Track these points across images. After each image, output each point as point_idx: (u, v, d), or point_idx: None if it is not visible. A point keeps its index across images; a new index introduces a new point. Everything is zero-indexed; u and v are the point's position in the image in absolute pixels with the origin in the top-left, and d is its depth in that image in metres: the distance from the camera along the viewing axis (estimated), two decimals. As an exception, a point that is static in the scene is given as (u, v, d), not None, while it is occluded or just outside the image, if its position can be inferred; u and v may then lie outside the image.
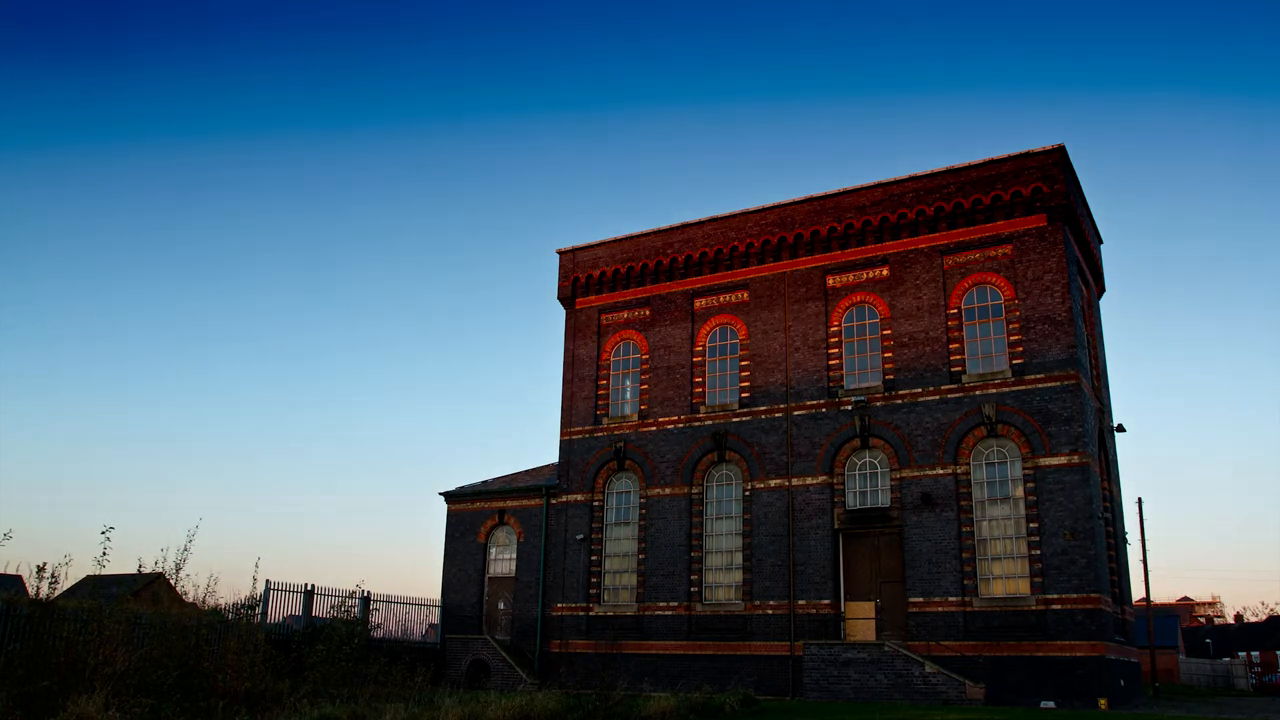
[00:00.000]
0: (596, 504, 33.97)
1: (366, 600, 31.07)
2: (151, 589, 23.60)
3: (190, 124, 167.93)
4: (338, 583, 52.16)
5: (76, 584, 41.63)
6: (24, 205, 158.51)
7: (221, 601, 21.33)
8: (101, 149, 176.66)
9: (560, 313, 37.89)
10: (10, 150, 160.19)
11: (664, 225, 35.26)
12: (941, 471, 28.24)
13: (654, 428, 33.53)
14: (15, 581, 47.74)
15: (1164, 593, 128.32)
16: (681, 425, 33.05)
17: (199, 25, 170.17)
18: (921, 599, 27.53)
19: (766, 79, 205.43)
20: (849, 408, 30.10)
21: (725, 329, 33.49)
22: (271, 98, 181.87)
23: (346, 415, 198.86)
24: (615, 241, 36.19)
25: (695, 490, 32.25)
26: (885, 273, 30.91)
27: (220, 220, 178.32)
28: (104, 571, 18.47)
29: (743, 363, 32.66)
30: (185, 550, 19.44)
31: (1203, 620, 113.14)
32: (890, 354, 30.12)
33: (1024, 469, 27.22)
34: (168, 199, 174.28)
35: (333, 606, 25.58)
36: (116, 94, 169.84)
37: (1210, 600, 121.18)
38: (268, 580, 26.59)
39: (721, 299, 33.67)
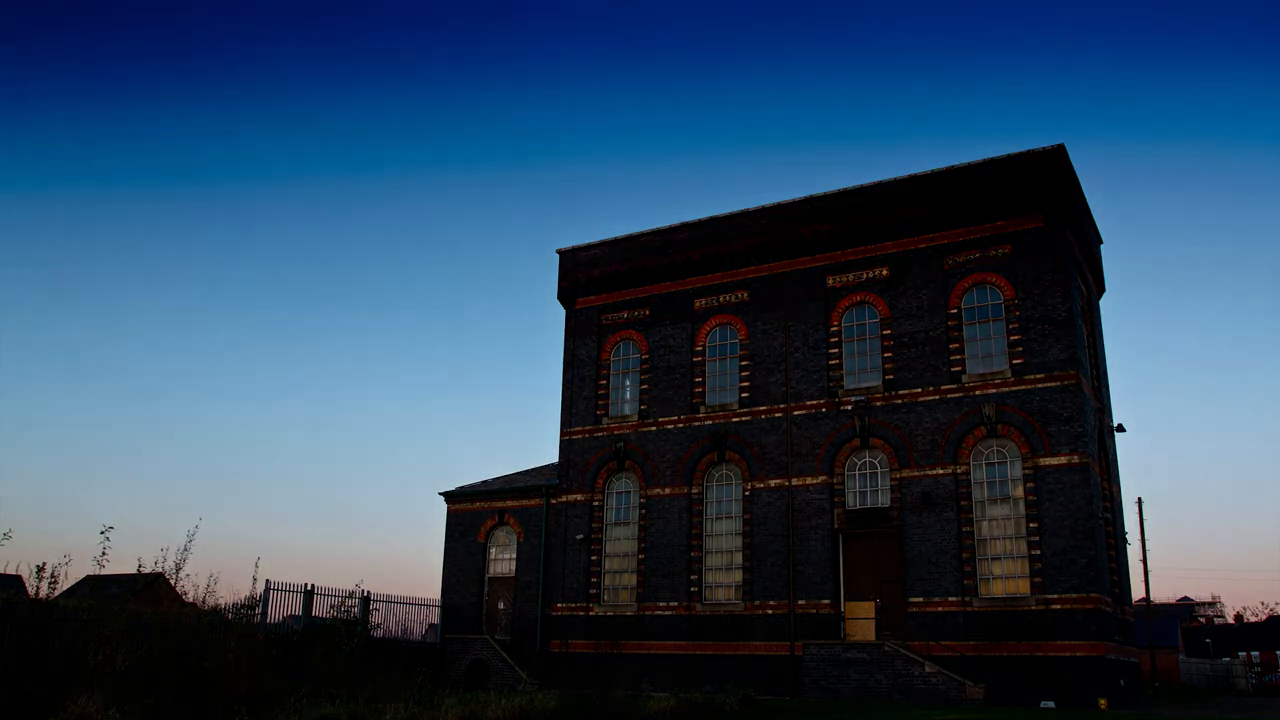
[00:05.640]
0: (596, 504, 33.95)
1: (366, 600, 31.05)
2: (151, 589, 23.55)
3: (185, 122, 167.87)
4: (338, 583, 52.12)
5: (76, 584, 41.61)
6: (25, 208, 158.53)
7: (221, 601, 21.33)
8: (101, 169, 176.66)
9: (560, 313, 37.89)
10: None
11: (664, 225, 35.24)
12: (941, 471, 28.23)
13: (654, 428, 33.52)
14: (15, 581, 47.66)
15: (1164, 593, 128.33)
16: (681, 425, 33.03)
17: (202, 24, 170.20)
18: (921, 599, 27.52)
19: (765, 79, 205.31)
20: (849, 408, 30.09)
21: (725, 329, 33.47)
22: (274, 98, 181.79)
23: (347, 415, 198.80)
24: (615, 241, 36.17)
25: (695, 490, 32.24)
26: (885, 273, 30.89)
27: (219, 220, 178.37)
28: (104, 571, 18.46)
29: (743, 363, 32.64)
30: (185, 550, 19.44)
31: (1203, 620, 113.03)
32: (890, 354, 30.10)
33: (1024, 469, 27.21)
34: (165, 199, 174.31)
35: (333, 606, 25.56)
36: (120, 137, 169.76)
37: (1210, 600, 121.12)
38: (268, 580, 26.59)
39: (721, 299, 33.65)
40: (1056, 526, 26.24)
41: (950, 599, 27.14)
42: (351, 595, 27.54)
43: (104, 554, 17.86)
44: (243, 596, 22.18)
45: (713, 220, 34.24)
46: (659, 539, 32.31)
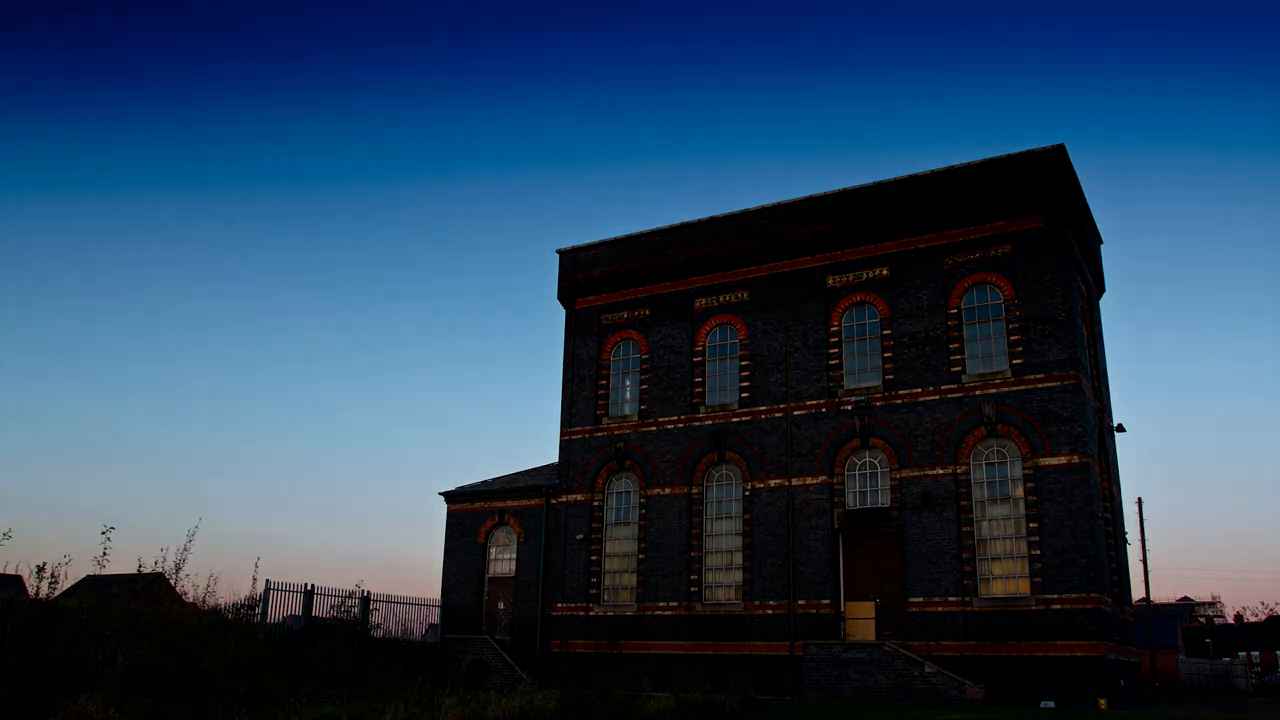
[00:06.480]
0: (596, 504, 33.96)
1: (366, 600, 31.05)
2: (151, 589, 23.57)
3: (187, 127, 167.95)
4: (338, 583, 52.10)
5: (76, 584, 41.63)
6: (27, 209, 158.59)
7: (221, 601, 21.35)
8: (94, 169, 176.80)
9: (560, 313, 37.90)
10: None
11: (664, 225, 35.24)
12: (941, 471, 28.23)
13: (654, 428, 33.52)
14: (15, 581, 47.65)
15: (1164, 593, 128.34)
16: (681, 425, 33.03)
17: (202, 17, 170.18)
18: (921, 599, 27.52)
19: (766, 78, 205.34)
20: (849, 408, 30.09)
21: (725, 329, 33.48)
22: (274, 101, 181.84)
23: (347, 415, 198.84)
24: (615, 241, 36.17)
25: (695, 490, 32.24)
26: (885, 273, 30.89)
27: (218, 220, 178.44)
28: (104, 571, 18.47)
29: (743, 363, 32.64)
30: (185, 550, 19.44)
31: (1203, 620, 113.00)
32: (890, 354, 30.11)
33: (1024, 469, 27.22)
34: (166, 201, 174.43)
35: (333, 606, 25.58)
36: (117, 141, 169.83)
37: (1210, 600, 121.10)
38: (268, 580, 26.60)
39: (721, 299, 33.66)
40: (1056, 526, 26.24)
41: (950, 599, 27.14)
42: (351, 595, 27.56)
43: (104, 554, 17.90)
44: (243, 596, 22.23)
45: (713, 220, 34.24)
46: (659, 539, 32.31)
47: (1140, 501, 47.64)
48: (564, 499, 34.56)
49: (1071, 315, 27.85)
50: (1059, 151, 28.84)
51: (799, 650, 28.19)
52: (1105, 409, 32.11)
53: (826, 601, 28.92)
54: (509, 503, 36.11)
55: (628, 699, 20.07)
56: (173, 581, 20.83)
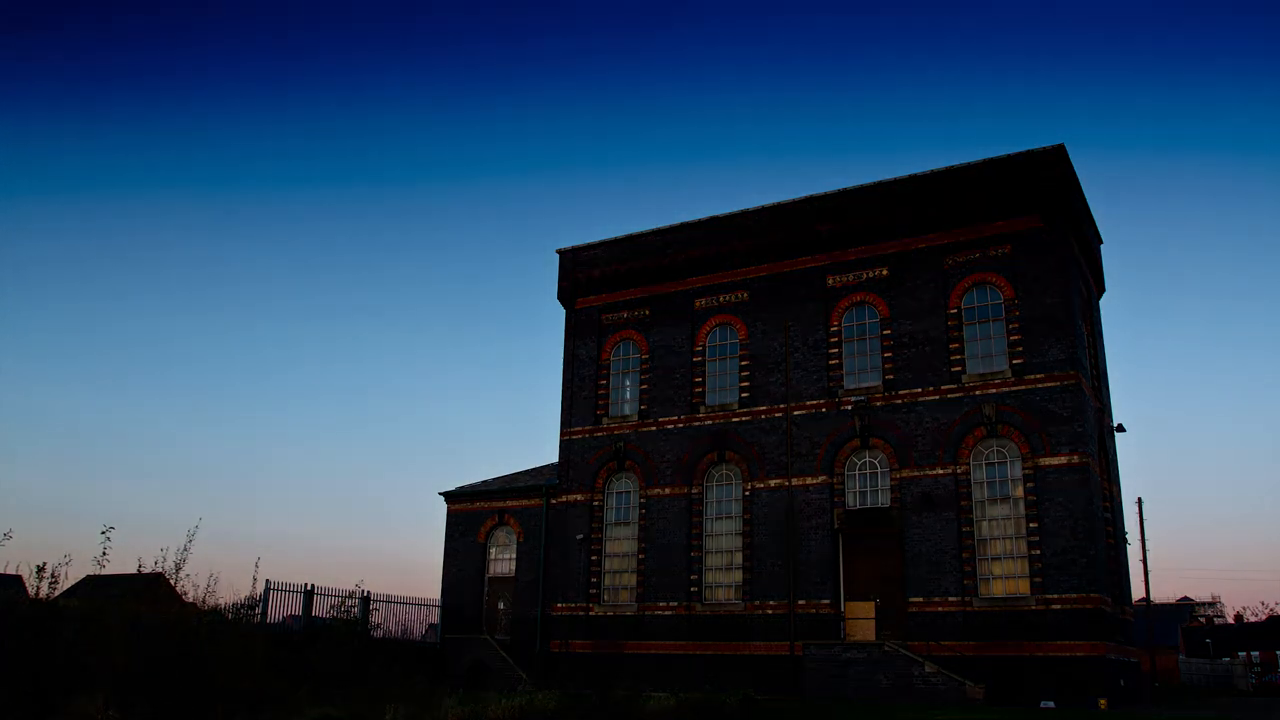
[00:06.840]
0: (596, 504, 33.97)
1: (366, 600, 31.06)
2: (151, 589, 23.53)
3: (186, 127, 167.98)
4: (338, 583, 52.13)
5: (76, 584, 41.54)
6: (28, 210, 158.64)
7: (221, 601, 21.32)
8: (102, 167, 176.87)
9: (560, 313, 37.92)
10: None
11: (664, 225, 35.26)
12: (941, 471, 28.24)
13: (654, 428, 33.53)
14: (15, 581, 47.59)
15: (1164, 593, 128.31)
16: (681, 425, 33.05)
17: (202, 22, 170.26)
18: (921, 599, 27.53)
19: (766, 78, 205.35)
20: (849, 408, 30.11)
21: (725, 329, 33.49)
22: (275, 103, 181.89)
23: (347, 415, 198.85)
24: (615, 241, 36.19)
25: (695, 490, 32.25)
26: (885, 273, 30.90)
27: (220, 220, 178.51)
28: (104, 571, 18.45)
29: (743, 363, 32.66)
30: (185, 550, 19.41)
31: (1203, 620, 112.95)
32: (890, 354, 30.12)
33: (1024, 469, 27.23)
34: (163, 197, 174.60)
35: (333, 606, 25.57)
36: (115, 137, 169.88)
37: (1210, 600, 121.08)
38: (268, 580, 26.62)
39: (721, 299, 33.67)
40: (1056, 526, 26.26)
41: (950, 599, 27.15)
42: (351, 595, 27.55)
43: (104, 554, 17.85)
44: (243, 596, 22.19)
45: (713, 220, 34.25)
46: (659, 539, 32.33)
47: (1140, 501, 47.67)
48: (564, 499, 34.57)
49: (1071, 315, 27.87)
50: (1059, 152, 28.85)
51: (799, 650, 28.21)
52: (1105, 409, 32.12)
53: (826, 601, 28.93)
54: (509, 503, 36.13)
55: (628, 699, 20.05)
56: (173, 581, 20.80)
